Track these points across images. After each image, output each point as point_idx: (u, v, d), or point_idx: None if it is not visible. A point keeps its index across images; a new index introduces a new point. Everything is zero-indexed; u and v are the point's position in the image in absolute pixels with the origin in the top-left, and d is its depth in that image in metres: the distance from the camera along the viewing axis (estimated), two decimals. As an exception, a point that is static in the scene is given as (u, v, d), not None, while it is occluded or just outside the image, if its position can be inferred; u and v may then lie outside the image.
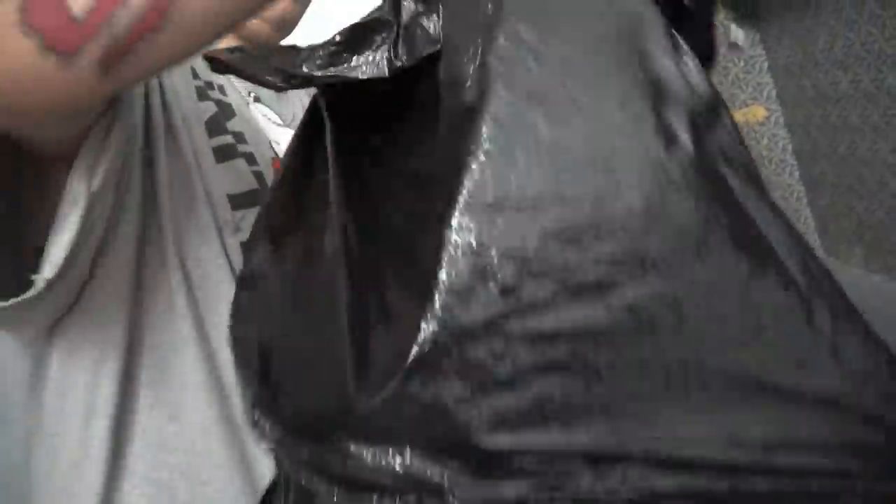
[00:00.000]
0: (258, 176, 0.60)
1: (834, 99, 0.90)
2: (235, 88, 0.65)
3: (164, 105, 0.53)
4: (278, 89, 0.32)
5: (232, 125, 0.61)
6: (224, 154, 0.58)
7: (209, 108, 0.59)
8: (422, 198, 0.29)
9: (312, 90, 0.41)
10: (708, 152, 0.26)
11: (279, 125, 0.69)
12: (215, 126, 0.59)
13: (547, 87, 0.27)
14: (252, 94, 0.67)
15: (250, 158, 0.60)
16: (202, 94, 0.60)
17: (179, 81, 0.59)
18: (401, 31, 0.33)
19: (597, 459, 0.24)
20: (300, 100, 0.74)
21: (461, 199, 0.26)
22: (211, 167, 0.55)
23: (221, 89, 0.64)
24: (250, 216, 0.54)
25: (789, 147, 1.08)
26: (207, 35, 0.36)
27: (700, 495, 0.23)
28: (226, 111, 0.61)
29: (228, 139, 0.58)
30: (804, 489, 0.24)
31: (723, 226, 0.25)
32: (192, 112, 0.53)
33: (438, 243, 0.26)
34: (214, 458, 0.47)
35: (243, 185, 0.60)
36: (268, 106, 0.69)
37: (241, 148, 0.59)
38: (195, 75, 0.60)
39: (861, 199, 0.88)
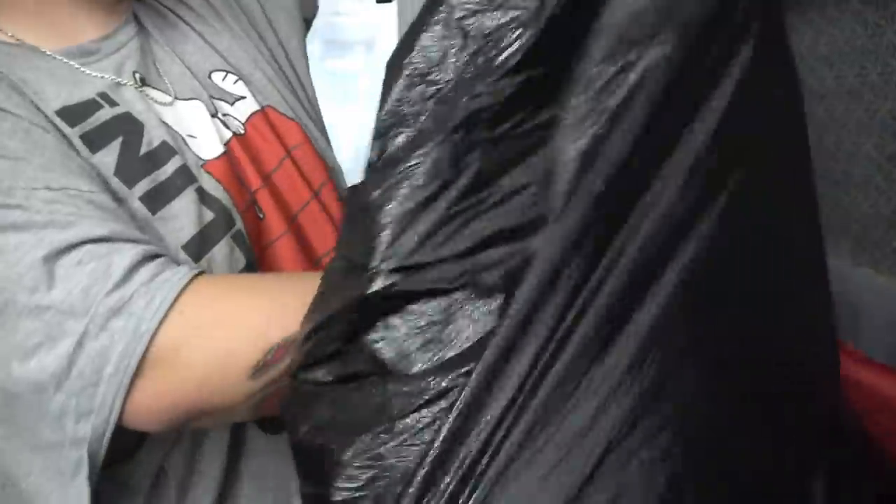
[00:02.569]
0: (199, 193, 0.53)
1: (819, 95, 0.91)
2: (118, 85, 0.56)
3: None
4: None
5: (146, 145, 0.53)
6: (163, 195, 0.52)
7: (113, 150, 0.52)
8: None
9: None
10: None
11: (166, 104, 0.59)
12: (131, 167, 0.51)
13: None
14: (137, 78, 0.58)
15: (187, 177, 0.53)
16: (90, 138, 0.51)
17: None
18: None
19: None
20: (175, 55, 0.63)
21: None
22: (146, 219, 0.51)
23: (108, 99, 0.54)
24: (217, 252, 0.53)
25: (777, 143, 1.09)
26: None
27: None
28: (130, 134, 0.53)
29: (159, 176, 0.52)
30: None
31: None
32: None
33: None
34: None
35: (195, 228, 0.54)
36: (153, 87, 0.60)
37: (172, 170, 0.53)
38: (66, 114, 0.51)
39: (847, 193, 0.89)
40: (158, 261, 0.42)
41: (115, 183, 0.50)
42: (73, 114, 0.51)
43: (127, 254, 0.41)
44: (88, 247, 0.40)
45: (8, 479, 0.44)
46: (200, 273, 0.43)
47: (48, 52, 0.55)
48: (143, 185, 0.51)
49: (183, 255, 0.50)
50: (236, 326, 0.41)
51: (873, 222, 0.85)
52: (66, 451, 0.40)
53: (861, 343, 0.69)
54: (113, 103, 0.54)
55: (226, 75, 0.63)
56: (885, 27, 0.78)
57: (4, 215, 0.41)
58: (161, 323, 0.39)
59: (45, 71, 0.53)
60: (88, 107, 0.52)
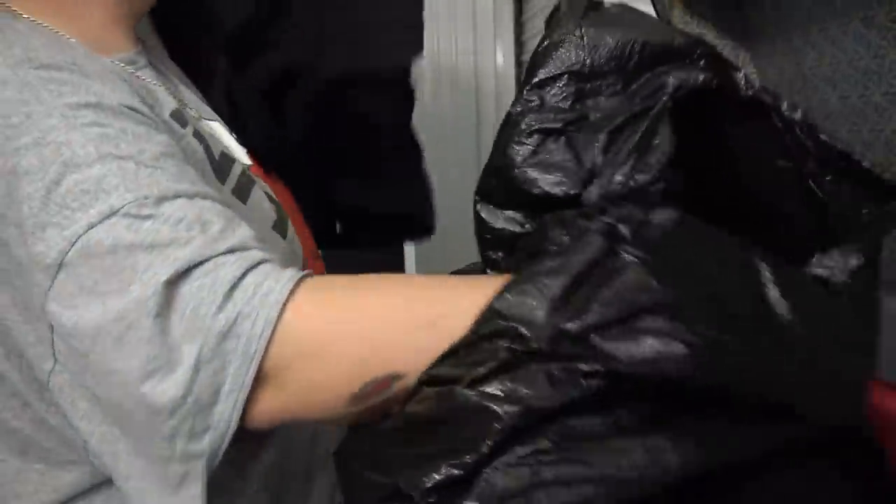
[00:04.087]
0: (265, 191, 0.62)
1: (823, 114, 0.92)
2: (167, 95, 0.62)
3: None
4: None
5: (216, 148, 0.61)
6: (246, 187, 0.61)
7: (203, 149, 0.59)
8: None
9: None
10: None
11: (197, 118, 0.66)
12: (218, 165, 0.60)
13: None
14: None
15: (249, 177, 0.62)
16: (198, 136, 0.60)
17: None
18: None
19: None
20: (177, 80, 0.71)
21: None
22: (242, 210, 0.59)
23: (183, 104, 0.62)
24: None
25: (783, 161, 1.10)
26: None
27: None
28: (205, 138, 0.61)
29: (236, 171, 0.62)
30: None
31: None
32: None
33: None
34: None
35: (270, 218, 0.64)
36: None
37: (240, 170, 0.64)
38: (175, 117, 0.58)
39: (854, 211, 0.89)
40: (261, 269, 0.43)
41: (210, 175, 0.57)
42: (180, 116, 0.57)
43: (230, 268, 0.42)
44: (199, 266, 0.42)
45: (112, 475, 0.45)
46: (301, 279, 0.44)
47: (113, 60, 0.58)
48: (230, 181, 0.58)
49: (272, 234, 0.59)
50: (336, 356, 0.43)
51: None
52: (174, 466, 0.42)
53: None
54: (187, 120, 0.61)
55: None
56: (887, 48, 0.79)
57: (137, 229, 0.41)
58: (269, 342, 0.41)
59: (123, 82, 0.55)
60: (182, 111, 0.59)
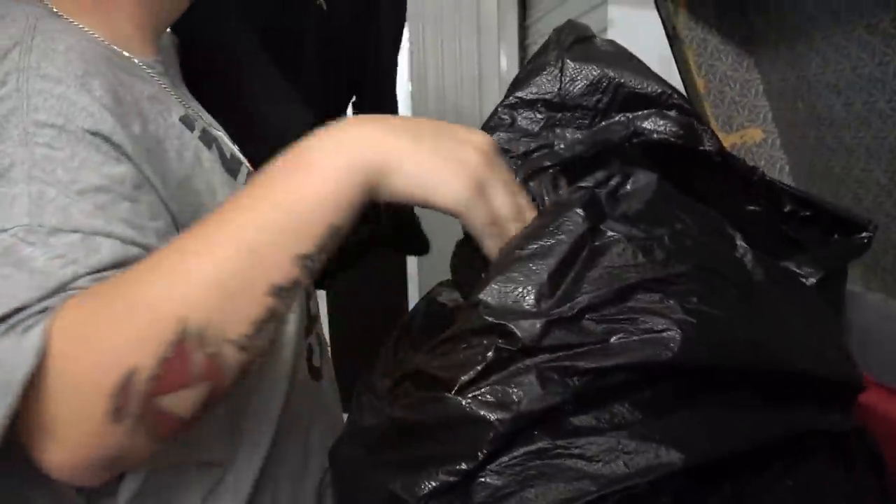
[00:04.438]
0: None
1: (828, 121, 0.92)
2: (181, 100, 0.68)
3: None
4: None
5: (226, 150, 0.67)
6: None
7: (215, 152, 0.64)
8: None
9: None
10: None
11: (207, 124, 0.73)
12: (228, 166, 0.65)
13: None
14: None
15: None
16: (204, 139, 0.64)
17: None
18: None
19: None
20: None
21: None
22: None
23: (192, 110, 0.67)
24: None
25: (786, 168, 1.09)
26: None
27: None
28: (216, 141, 0.66)
29: (245, 172, 0.66)
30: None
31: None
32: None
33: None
34: None
35: None
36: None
37: (247, 172, 0.69)
38: (184, 121, 0.62)
39: (857, 218, 0.89)
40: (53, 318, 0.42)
41: (222, 174, 0.62)
42: (188, 120, 0.61)
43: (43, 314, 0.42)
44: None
45: None
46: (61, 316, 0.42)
47: (136, 62, 0.63)
48: (241, 178, 0.64)
49: None
50: (66, 388, 0.42)
51: (884, 248, 0.85)
52: None
53: (871, 368, 0.69)
54: (194, 120, 0.64)
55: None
56: (891, 56, 0.79)
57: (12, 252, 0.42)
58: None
59: (140, 77, 0.61)
60: (191, 116, 0.63)
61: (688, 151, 0.58)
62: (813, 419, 0.47)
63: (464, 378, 0.43)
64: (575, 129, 0.65)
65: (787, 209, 0.59)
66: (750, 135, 1.09)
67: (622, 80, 0.61)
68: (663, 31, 1.12)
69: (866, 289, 0.90)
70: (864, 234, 0.59)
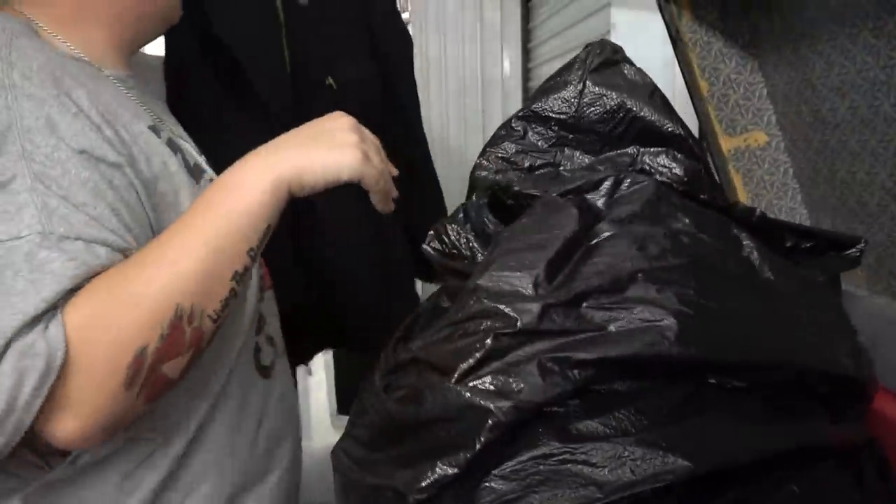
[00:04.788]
0: None
1: (833, 124, 0.91)
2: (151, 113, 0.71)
3: None
4: None
5: (190, 159, 0.70)
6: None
7: (179, 158, 0.67)
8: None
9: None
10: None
11: (178, 136, 0.75)
12: (191, 173, 0.68)
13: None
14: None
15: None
16: (170, 145, 0.67)
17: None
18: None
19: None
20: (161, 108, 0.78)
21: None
22: None
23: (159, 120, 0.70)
24: None
25: (790, 171, 1.09)
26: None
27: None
28: (180, 149, 0.69)
29: (206, 180, 0.71)
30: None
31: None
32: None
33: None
34: None
35: None
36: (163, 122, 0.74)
37: (209, 179, 0.71)
38: (153, 130, 0.66)
39: (862, 222, 0.89)
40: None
41: (186, 178, 0.65)
42: (156, 129, 0.66)
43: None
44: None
45: None
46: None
47: (107, 74, 0.67)
48: (203, 183, 0.67)
49: None
50: (88, 362, 0.51)
51: (889, 251, 0.85)
52: None
53: (877, 372, 0.69)
54: (161, 130, 0.68)
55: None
56: (896, 59, 0.79)
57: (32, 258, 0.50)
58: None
59: (112, 91, 0.65)
60: (159, 125, 0.67)
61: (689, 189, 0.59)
62: (824, 433, 0.46)
63: (463, 366, 0.43)
64: (584, 152, 0.65)
65: (789, 244, 0.60)
66: (754, 138, 1.09)
67: (640, 114, 0.62)
68: (666, 35, 1.12)
69: (871, 292, 0.89)
70: (856, 248, 0.61)
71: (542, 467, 0.41)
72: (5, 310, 0.47)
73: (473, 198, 0.66)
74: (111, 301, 0.51)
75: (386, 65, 1.12)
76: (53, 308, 0.48)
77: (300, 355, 1.15)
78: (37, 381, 0.47)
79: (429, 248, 0.65)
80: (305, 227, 1.03)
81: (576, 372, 0.43)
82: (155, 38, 0.75)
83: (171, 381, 0.55)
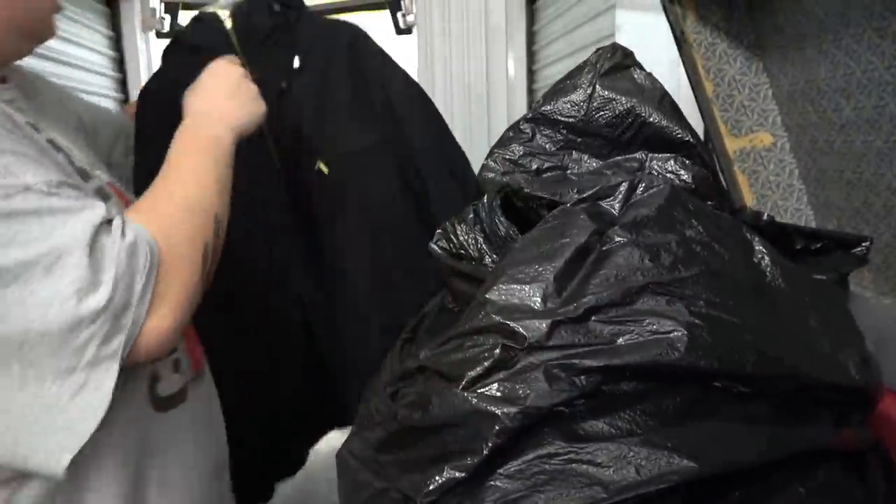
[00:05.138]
0: (118, 207, 0.68)
1: (838, 125, 0.91)
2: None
3: None
4: None
5: (76, 162, 0.69)
6: (102, 197, 0.67)
7: (63, 158, 0.66)
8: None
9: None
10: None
11: (63, 148, 0.74)
12: (77, 173, 0.66)
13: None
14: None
15: (105, 193, 0.71)
16: (53, 143, 0.67)
17: None
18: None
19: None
20: (51, 125, 0.75)
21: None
22: None
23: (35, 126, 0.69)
24: None
25: (796, 172, 1.09)
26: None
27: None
28: (62, 150, 0.68)
29: (93, 185, 0.69)
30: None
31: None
32: None
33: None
34: None
35: None
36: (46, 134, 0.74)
37: (97, 185, 0.70)
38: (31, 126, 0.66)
39: (868, 223, 0.89)
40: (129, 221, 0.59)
41: (76, 179, 0.66)
42: (35, 126, 0.66)
43: (118, 221, 0.57)
44: (107, 222, 0.56)
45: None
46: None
47: None
48: (88, 188, 0.67)
49: None
50: (179, 247, 0.62)
51: (895, 252, 0.85)
52: (75, 377, 0.53)
53: (884, 374, 0.68)
54: (36, 130, 0.68)
55: (89, 159, 0.80)
56: (902, 59, 0.78)
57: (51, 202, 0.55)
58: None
59: None
60: (35, 125, 0.67)
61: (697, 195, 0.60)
62: (829, 437, 0.46)
63: (470, 374, 0.43)
64: (592, 156, 0.66)
65: (799, 247, 0.60)
66: (759, 139, 1.09)
67: (649, 119, 0.62)
68: (671, 36, 1.12)
69: (878, 293, 0.89)
70: (862, 246, 0.61)
71: (547, 467, 0.41)
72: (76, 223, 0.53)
73: (484, 199, 0.66)
74: (171, 212, 0.62)
75: (402, 127, 0.99)
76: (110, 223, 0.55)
77: (309, 440, 1.12)
78: (145, 276, 0.55)
79: (435, 248, 0.65)
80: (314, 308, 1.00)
81: (582, 378, 0.43)
82: (23, 54, 0.72)
83: (210, 281, 0.65)
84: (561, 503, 0.40)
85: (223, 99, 0.78)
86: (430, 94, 2.25)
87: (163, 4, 2.22)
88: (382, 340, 0.91)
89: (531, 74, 2.25)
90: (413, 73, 2.32)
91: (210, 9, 0.97)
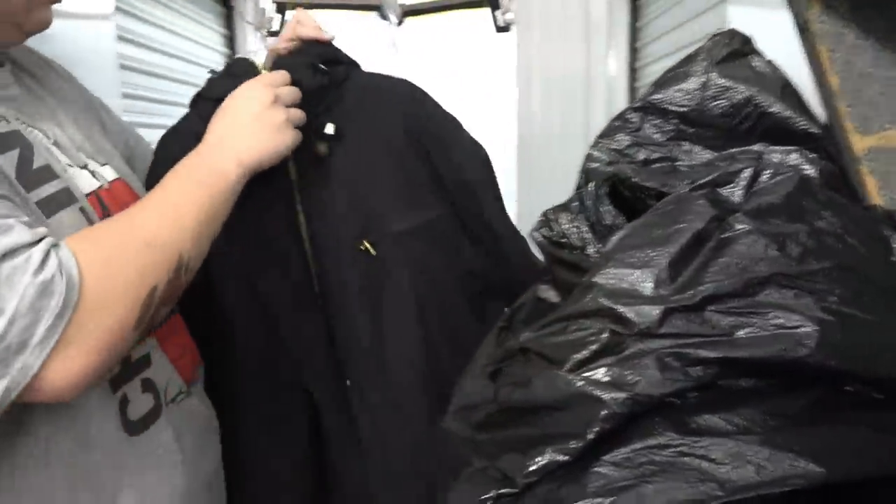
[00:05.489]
0: (84, 213, 0.62)
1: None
2: (5, 112, 0.65)
3: None
4: None
5: (37, 162, 0.63)
6: (50, 207, 0.61)
7: (13, 157, 0.60)
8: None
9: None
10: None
11: (49, 142, 0.69)
12: (27, 176, 0.60)
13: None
14: (18, 116, 0.66)
15: (69, 197, 0.62)
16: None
17: None
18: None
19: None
20: (50, 116, 0.73)
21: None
22: (41, 222, 0.63)
23: (3, 117, 0.63)
24: None
25: (933, 174, 0.99)
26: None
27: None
28: (24, 149, 0.62)
29: (48, 189, 0.63)
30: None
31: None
32: None
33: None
34: None
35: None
36: (33, 126, 0.68)
37: (59, 188, 0.64)
38: None
39: None
40: (60, 246, 0.53)
41: (17, 185, 0.59)
42: (3, 118, 0.62)
43: (40, 248, 0.51)
44: (16, 249, 0.50)
45: None
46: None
47: None
48: (38, 193, 0.61)
49: None
50: (113, 297, 0.55)
51: None
52: None
53: None
54: (7, 121, 0.64)
55: (91, 145, 0.76)
56: None
57: None
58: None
59: None
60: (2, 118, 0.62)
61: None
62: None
63: (576, 357, 0.42)
64: (704, 147, 0.62)
65: None
66: (891, 137, 1.00)
67: (769, 109, 0.58)
68: (786, 32, 1.05)
69: None
70: None
71: (656, 457, 0.39)
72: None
73: (590, 187, 0.65)
74: (126, 242, 0.57)
75: (464, 195, 0.87)
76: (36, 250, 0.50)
77: None
78: (53, 318, 0.49)
79: (538, 235, 0.64)
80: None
81: (697, 369, 0.40)
82: (12, 44, 0.70)
83: (158, 324, 0.63)
84: (672, 496, 0.38)
85: (240, 127, 0.70)
86: (527, 93, 2.25)
87: (274, 4, 2.33)
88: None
89: (633, 73, 2.18)
90: (511, 72, 2.30)
91: (250, 57, 0.86)
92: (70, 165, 0.68)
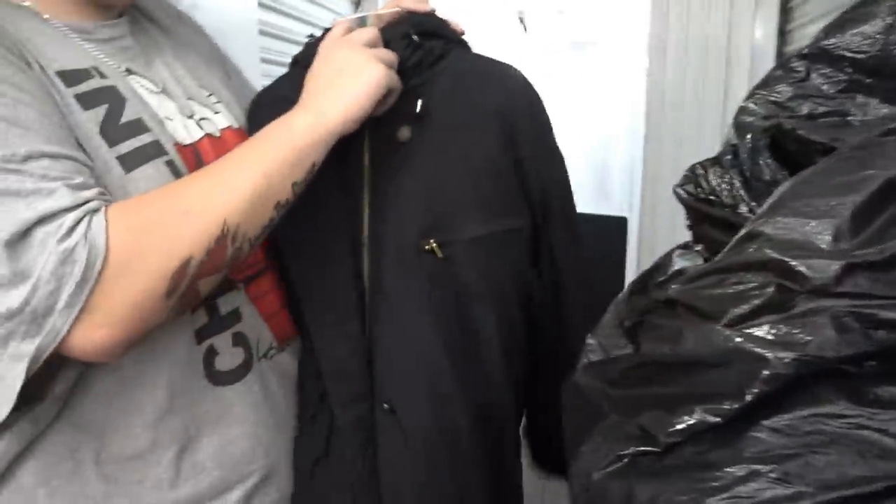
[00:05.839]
0: (171, 166, 0.60)
1: None
2: (107, 64, 0.66)
3: None
4: None
5: (127, 116, 0.63)
6: (135, 160, 0.60)
7: (99, 113, 0.61)
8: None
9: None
10: None
11: (155, 92, 0.70)
12: (113, 130, 0.61)
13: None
14: (124, 67, 0.68)
15: (158, 149, 0.61)
16: (85, 98, 0.61)
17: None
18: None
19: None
20: (166, 65, 0.74)
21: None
22: (121, 177, 0.59)
23: (99, 72, 0.64)
24: None
25: None
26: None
27: None
28: (115, 103, 0.63)
29: (135, 143, 0.63)
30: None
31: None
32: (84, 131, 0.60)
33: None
34: None
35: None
36: (141, 76, 0.70)
37: (148, 141, 0.64)
38: (64, 76, 0.61)
39: None
40: (96, 215, 0.52)
41: (98, 140, 0.60)
42: (70, 77, 0.62)
43: (73, 214, 0.51)
44: (54, 214, 0.50)
45: None
46: (112, 209, 0.53)
47: (49, 19, 0.64)
48: (121, 148, 0.61)
49: None
50: (141, 264, 0.53)
51: None
52: None
53: None
54: (103, 76, 0.65)
55: (210, 94, 0.77)
56: None
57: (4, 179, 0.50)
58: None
59: (48, 36, 0.62)
60: (83, 74, 0.63)
61: None
62: None
63: (735, 311, 0.38)
64: (883, 101, 0.54)
65: None
66: None
67: None
68: None
69: None
70: None
71: (826, 427, 0.35)
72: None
73: (747, 138, 0.59)
74: (163, 210, 0.54)
75: (545, 213, 0.79)
76: (84, 211, 0.50)
77: None
78: (75, 286, 0.49)
79: (681, 192, 0.59)
80: None
81: (881, 333, 0.35)
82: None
83: (199, 297, 0.57)
84: (843, 470, 0.33)
85: (323, 87, 0.64)
86: (661, 59, 2.12)
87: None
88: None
89: (783, 36, 2.00)
90: (644, 34, 2.18)
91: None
92: (169, 119, 0.69)
